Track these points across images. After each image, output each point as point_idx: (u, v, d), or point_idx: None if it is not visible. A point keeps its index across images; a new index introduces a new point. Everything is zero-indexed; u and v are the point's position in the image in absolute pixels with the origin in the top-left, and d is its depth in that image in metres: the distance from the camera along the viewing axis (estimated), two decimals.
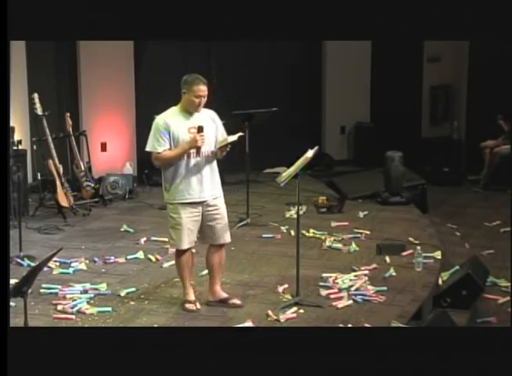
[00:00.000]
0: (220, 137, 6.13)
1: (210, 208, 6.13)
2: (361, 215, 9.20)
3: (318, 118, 12.33)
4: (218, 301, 6.30)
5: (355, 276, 6.98)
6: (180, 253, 6.24)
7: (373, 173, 10.77)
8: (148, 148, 6.05)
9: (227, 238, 6.27)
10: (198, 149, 5.99)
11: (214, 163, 6.16)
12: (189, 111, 6.04)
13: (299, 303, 6.29)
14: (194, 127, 5.98)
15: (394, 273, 7.09)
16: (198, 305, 6.24)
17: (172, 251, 7.71)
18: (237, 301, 6.30)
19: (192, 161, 6.02)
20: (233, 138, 6.10)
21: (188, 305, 6.23)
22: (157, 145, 5.99)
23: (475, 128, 11.67)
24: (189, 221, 6.10)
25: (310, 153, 6.24)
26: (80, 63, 10.54)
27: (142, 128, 10.78)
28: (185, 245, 6.15)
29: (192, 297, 6.28)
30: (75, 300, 6.40)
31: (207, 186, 6.08)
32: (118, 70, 10.65)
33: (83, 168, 9.58)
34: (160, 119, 6.04)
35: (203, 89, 6.00)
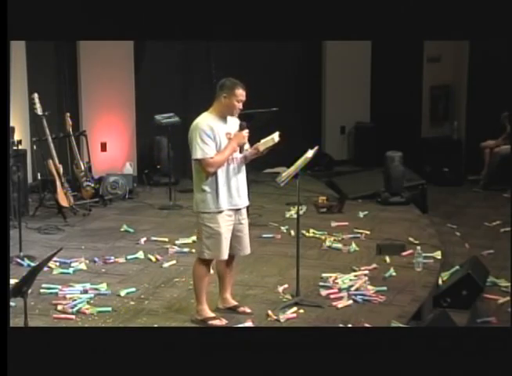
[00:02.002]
0: (245, 145, 6.02)
1: (240, 217, 5.97)
2: (361, 215, 9.20)
3: (318, 118, 12.34)
4: (227, 309, 6.16)
5: (355, 276, 6.98)
6: (204, 263, 5.93)
7: (373, 173, 10.77)
8: (198, 156, 5.72)
9: (249, 249, 6.14)
10: (241, 148, 5.90)
11: (244, 169, 6.02)
12: (224, 116, 5.87)
13: (299, 303, 6.28)
14: (229, 132, 5.84)
15: (394, 273, 7.09)
16: (224, 320, 5.94)
17: (173, 251, 7.74)
18: (247, 310, 6.14)
19: (231, 167, 5.87)
20: (277, 137, 6.03)
21: (214, 322, 5.89)
22: (208, 150, 5.72)
23: (475, 128, 11.67)
24: (227, 230, 5.86)
25: (310, 153, 6.25)
26: (80, 63, 10.54)
27: (143, 128, 10.85)
28: (225, 255, 5.90)
29: (211, 313, 5.97)
30: (75, 300, 6.40)
31: (242, 192, 5.94)
32: (118, 70, 10.65)
33: (83, 168, 9.58)
34: (203, 124, 5.77)
35: (243, 94, 5.86)
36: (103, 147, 10.67)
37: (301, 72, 12.05)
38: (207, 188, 5.81)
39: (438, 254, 7.56)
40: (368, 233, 8.38)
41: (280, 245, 7.96)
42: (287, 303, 6.32)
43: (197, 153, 5.75)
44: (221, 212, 5.83)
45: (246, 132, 5.91)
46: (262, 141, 6.05)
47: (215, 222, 5.82)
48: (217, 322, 5.90)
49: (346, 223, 8.76)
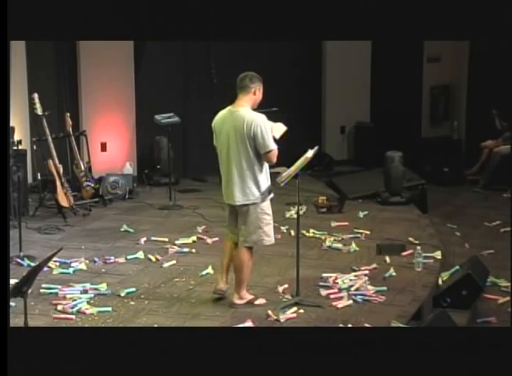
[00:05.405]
0: None
1: None
2: (361, 215, 9.20)
3: (318, 118, 12.34)
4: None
5: (355, 276, 6.98)
6: (250, 250, 6.29)
7: (373, 173, 10.77)
8: (273, 146, 6.06)
9: None
10: None
11: None
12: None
13: (299, 303, 6.29)
14: None
15: (394, 273, 7.09)
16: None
17: (173, 251, 7.74)
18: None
19: None
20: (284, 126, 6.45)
21: (258, 301, 6.34)
22: (273, 141, 6.10)
23: (475, 128, 11.67)
24: None
25: (310, 153, 6.25)
26: (80, 63, 10.53)
27: (143, 128, 10.85)
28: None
29: (250, 295, 6.39)
30: (75, 300, 6.40)
31: None
32: (118, 70, 10.65)
33: (83, 168, 9.58)
34: (263, 117, 6.09)
35: None
36: (103, 147, 10.66)
37: (301, 72, 12.05)
38: (264, 178, 6.14)
39: (438, 254, 7.56)
40: (368, 233, 8.38)
41: (280, 245, 7.92)
42: (287, 303, 6.32)
43: (271, 144, 6.04)
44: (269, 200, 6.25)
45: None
46: (274, 129, 6.22)
47: (270, 209, 6.24)
48: (261, 300, 6.32)
49: (346, 223, 8.76)
